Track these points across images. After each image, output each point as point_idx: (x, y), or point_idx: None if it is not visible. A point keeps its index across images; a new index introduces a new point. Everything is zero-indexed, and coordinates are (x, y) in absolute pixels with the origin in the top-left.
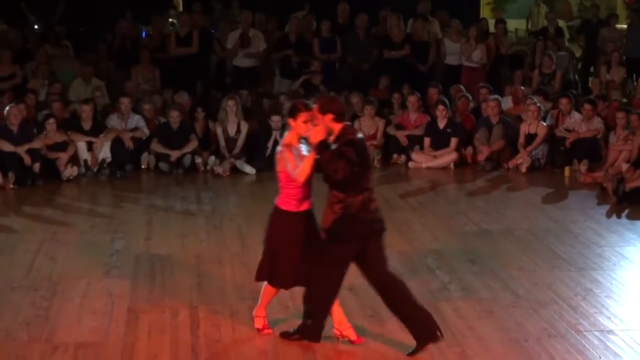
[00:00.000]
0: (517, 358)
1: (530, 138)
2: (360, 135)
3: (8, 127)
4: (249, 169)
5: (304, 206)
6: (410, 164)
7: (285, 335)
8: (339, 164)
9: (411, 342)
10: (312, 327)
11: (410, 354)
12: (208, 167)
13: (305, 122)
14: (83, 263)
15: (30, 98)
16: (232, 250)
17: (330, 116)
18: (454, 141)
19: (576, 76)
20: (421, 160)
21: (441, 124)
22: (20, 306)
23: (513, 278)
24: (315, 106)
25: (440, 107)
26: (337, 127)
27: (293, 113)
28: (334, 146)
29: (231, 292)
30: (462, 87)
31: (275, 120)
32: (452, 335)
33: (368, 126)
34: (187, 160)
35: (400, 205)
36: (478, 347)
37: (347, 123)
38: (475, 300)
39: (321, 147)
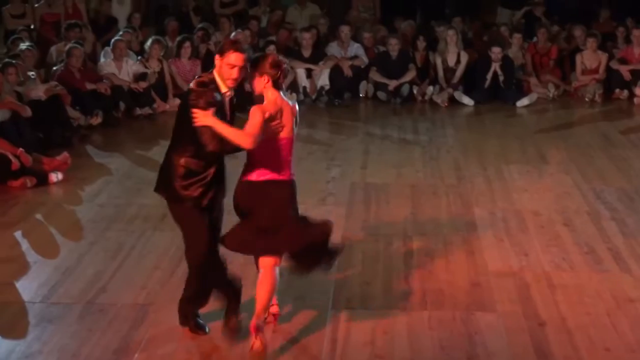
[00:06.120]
0: None
1: None
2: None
3: None
4: (467, 100)
5: None
6: (635, 99)
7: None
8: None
9: None
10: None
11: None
12: (426, 97)
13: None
14: (300, 189)
15: (253, 25)
16: (447, 181)
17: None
18: None
19: None
20: None
21: None
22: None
23: None
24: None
25: None
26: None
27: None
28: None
29: (446, 223)
30: None
31: (495, 51)
32: None
33: (590, 59)
34: (405, 89)
35: (621, 141)
36: None
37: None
38: None
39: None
